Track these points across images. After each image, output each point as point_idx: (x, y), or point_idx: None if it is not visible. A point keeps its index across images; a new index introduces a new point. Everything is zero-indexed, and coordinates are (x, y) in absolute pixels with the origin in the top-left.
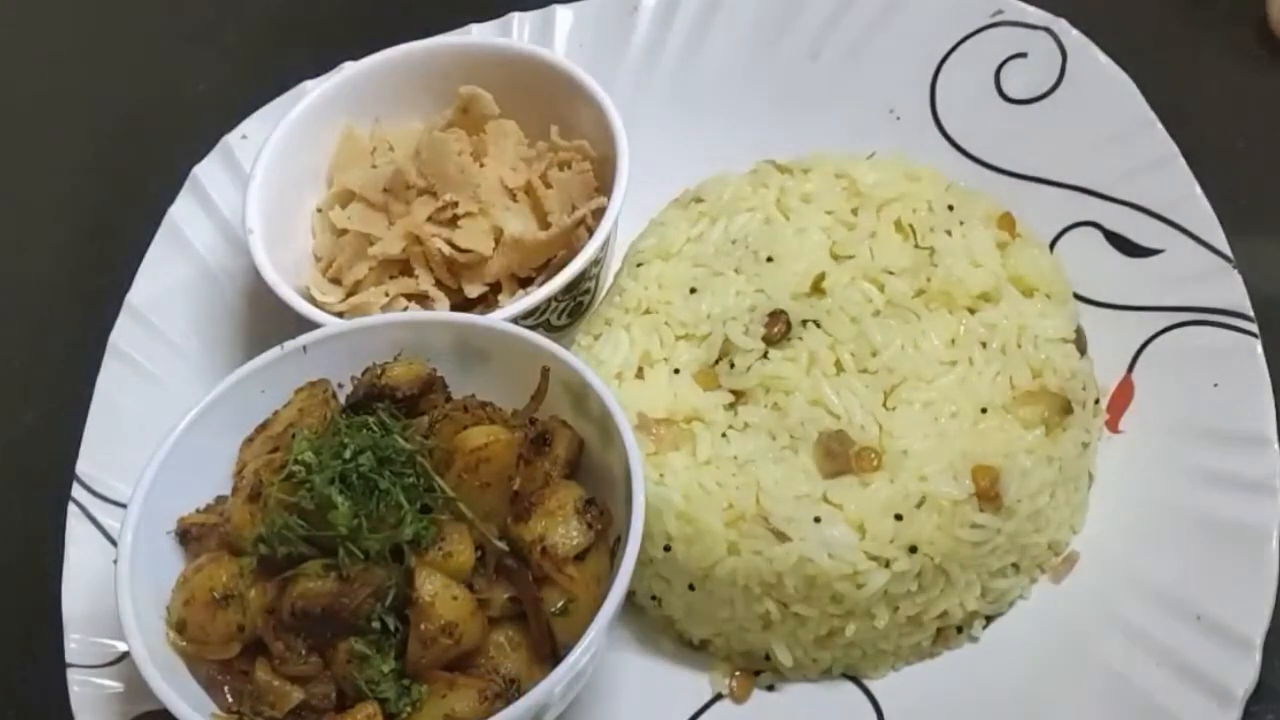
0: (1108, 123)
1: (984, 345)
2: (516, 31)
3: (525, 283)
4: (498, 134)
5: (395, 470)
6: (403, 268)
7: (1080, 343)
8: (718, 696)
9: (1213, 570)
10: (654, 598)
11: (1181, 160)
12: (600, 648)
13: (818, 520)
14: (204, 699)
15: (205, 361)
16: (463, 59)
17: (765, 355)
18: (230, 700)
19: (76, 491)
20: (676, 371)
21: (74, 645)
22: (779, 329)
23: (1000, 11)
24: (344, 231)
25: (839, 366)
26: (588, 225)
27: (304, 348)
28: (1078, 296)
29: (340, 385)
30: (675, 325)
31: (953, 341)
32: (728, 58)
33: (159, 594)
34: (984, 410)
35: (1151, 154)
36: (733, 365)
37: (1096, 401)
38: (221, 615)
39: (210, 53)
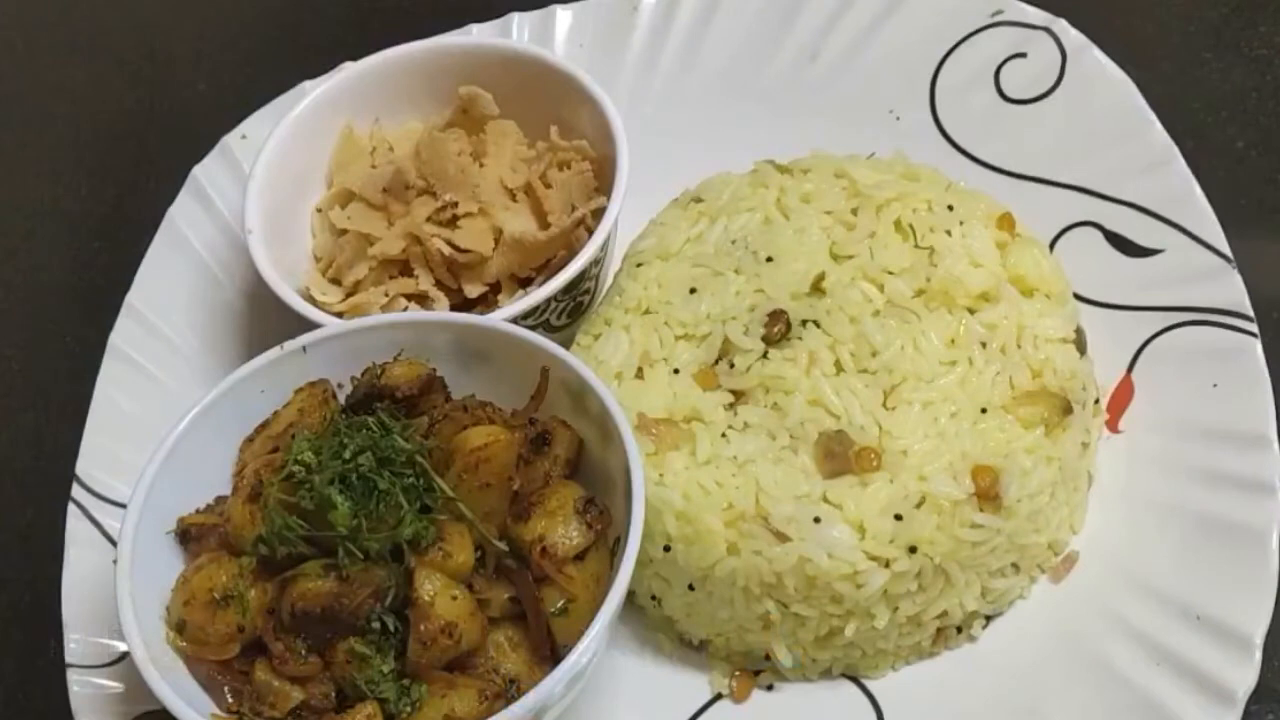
0: (1108, 123)
1: (984, 345)
2: (516, 32)
3: (525, 283)
4: (497, 134)
5: (395, 470)
6: (402, 268)
7: (1080, 343)
8: (718, 696)
9: (1213, 570)
10: (654, 598)
11: (1181, 160)
12: (600, 648)
13: (817, 520)
14: (204, 699)
15: (205, 361)
16: (463, 59)
17: (765, 355)
18: (230, 700)
19: (76, 491)
20: (676, 371)
21: (74, 645)
22: (779, 329)
23: (1000, 11)
24: (344, 231)
25: (839, 366)
26: (587, 225)
27: (304, 348)
28: (1078, 296)
29: (340, 385)
30: (675, 325)
31: (953, 341)
32: (728, 58)
33: (159, 594)
34: (984, 410)
35: (1151, 154)
36: (732, 365)
37: (1096, 401)
38: (221, 615)
39: (210, 52)
